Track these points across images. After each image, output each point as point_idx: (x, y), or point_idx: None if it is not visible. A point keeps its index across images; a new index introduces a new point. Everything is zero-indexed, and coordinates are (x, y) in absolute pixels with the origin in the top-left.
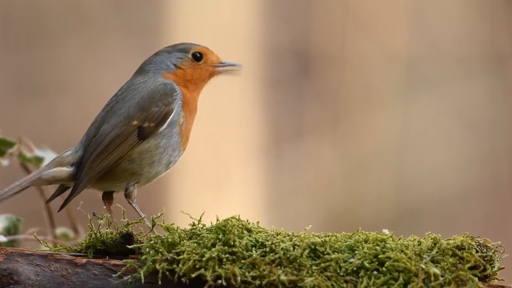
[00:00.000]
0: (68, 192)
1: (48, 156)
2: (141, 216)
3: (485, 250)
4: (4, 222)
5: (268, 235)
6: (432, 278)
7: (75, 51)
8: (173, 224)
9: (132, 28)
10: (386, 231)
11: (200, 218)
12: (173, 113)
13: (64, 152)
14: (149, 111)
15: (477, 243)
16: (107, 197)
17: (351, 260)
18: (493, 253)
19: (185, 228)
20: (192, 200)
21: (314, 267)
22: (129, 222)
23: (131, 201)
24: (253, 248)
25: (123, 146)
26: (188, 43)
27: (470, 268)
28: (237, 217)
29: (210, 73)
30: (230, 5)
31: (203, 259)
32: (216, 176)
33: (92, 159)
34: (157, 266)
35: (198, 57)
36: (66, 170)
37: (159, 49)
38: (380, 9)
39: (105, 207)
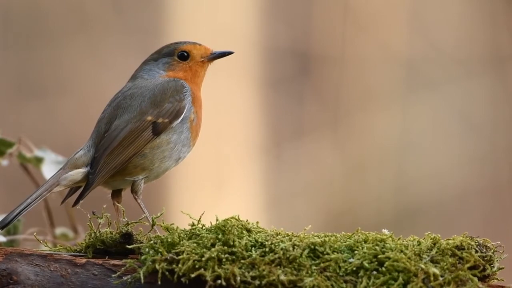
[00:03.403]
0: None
1: (48, 157)
2: (144, 213)
3: (484, 250)
4: None
5: (268, 235)
6: (432, 278)
7: (75, 51)
8: (173, 224)
9: (132, 28)
10: (385, 231)
11: (200, 218)
12: (185, 109)
13: (75, 153)
14: (162, 107)
15: (477, 243)
16: (116, 195)
17: (351, 260)
18: (493, 253)
19: (184, 228)
20: (192, 200)
21: (314, 267)
22: (129, 222)
23: (136, 197)
24: (253, 248)
25: (138, 141)
26: (173, 44)
27: (470, 268)
28: (236, 217)
29: (202, 67)
30: (230, 6)
31: (203, 259)
32: (216, 176)
33: (107, 153)
34: (157, 266)
35: (185, 56)
36: (83, 171)
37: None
38: (380, 9)
39: (113, 204)
